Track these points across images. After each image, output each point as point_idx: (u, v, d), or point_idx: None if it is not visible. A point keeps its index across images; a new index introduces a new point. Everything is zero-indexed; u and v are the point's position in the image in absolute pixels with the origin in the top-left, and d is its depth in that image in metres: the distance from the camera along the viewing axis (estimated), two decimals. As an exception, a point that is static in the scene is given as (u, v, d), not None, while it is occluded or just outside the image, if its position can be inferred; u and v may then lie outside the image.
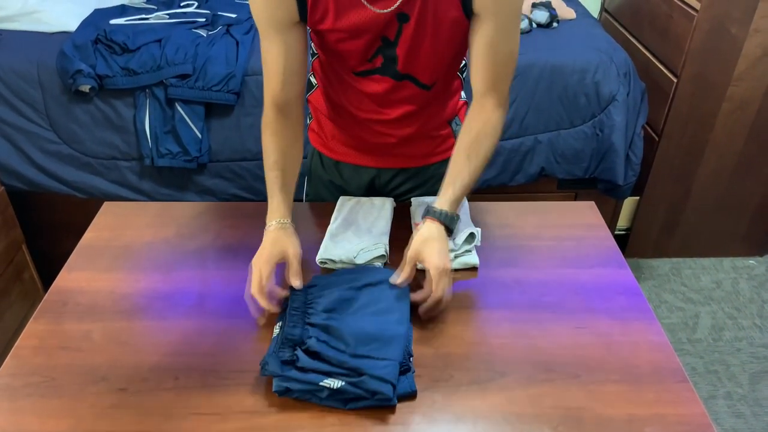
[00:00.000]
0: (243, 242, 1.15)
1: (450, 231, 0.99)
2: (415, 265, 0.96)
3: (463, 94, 1.24)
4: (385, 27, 0.98)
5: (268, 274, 0.95)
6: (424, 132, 1.19)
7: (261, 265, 0.96)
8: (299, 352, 0.85)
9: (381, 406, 0.83)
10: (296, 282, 0.97)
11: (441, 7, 0.95)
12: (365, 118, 1.15)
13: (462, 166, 1.00)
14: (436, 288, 0.92)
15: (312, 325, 0.89)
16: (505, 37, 0.98)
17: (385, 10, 0.95)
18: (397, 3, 0.94)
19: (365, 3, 0.95)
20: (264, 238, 0.99)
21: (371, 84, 1.08)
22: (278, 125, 1.05)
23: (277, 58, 1.00)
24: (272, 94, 1.04)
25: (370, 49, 1.02)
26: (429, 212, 0.98)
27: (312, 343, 0.85)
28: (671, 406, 0.84)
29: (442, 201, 0.99)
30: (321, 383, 0.82)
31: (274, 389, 0.83)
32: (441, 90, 1.13)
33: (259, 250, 0.97)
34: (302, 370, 0.83)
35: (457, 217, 1.00)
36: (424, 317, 0.96)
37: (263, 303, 0.94)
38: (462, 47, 1.03)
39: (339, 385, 0.82)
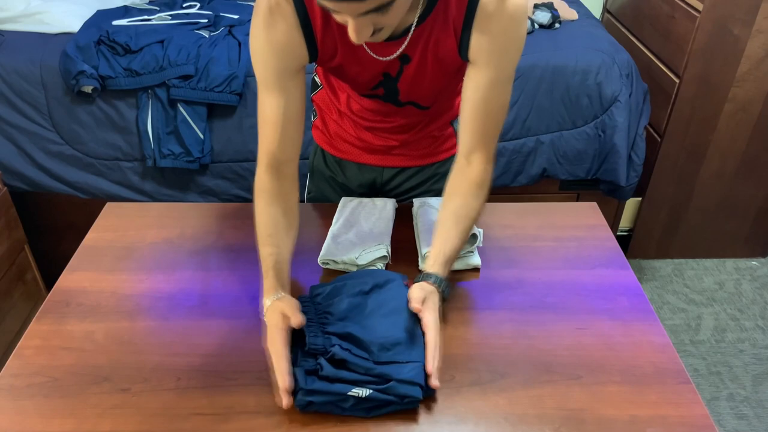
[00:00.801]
0: (245, 243, 1.15)
1: (444, 296, 0.94)
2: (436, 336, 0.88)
3: None
4: (387, 66, 0.99)
5: (284, 350, 0.84)
6: (426, 134, 1.20)
7: (273, 347, 0.85)
8: (323, 361, 0.83)
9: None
10: (296, 319, 0.87)
11: (441, 47, 0.96)
12: (368, 126, 1.17)
13: (450, 230, 0.97)
14: (438, 343, 0.87)
15: (331, 334, 0.87)
16: (499, 90, 0.96)
17: (388, 58, 0.96)
18: (400, 50, 0.95)
19: (369, 52, 0.95)
20: (266, 319, 0.89)
21: (373, 103, 1.10)
22: (272, 194, 1.00)
23: (277, 108, 0.96)
24: (268, 150, 0.99)
25: (372, 82, 1.03)
26: (423, 277, 0.94)
27: (337, 350, 0.83)
28: (673, 407, 0.84)
29: (433, 265, 0.95)
30: (348, 393, 0.80)
31: (296, 404, 0.82)
32: (442, 104, 1.16)
33: (266, 333, 0.88)
34: (327, 379, 0.82)
35: (449, 284, 0.95)
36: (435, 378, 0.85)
37: (284, 384, 0.82)
38: (462, 74, 1.00)
39: (367, 394, 0.80)
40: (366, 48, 0.95)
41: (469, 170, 1.01)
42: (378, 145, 1.21)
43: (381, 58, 0.96)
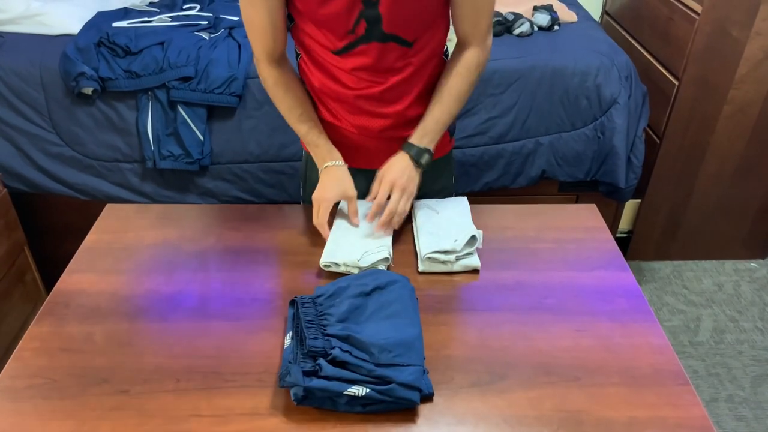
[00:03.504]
0: (244, 244, 1.15)
1: (418, 163, 1.10)
2: (382, 186, 1.10)
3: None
4: None
5: (328, 209, 1.08)
6: (417, 111, 1.16)
7: (322, 202, 1.10)
8: (322, 362, 0.83)
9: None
10: (356, 221, 1.12)
11: None
12: (356, 95, 1.13)
13: (434, 104, 1.09)
14: (391, 201, 1.03)
15: (331, 336, 0.88)
16: None
17: None
18: None
19: None
20: (323, 177, 1.08)
21: (355, 59, 1.07)
22: (286, 78, 1.12)
23: (263, 16, 1.05)
24: (265, 50, 1.09)
25: (352, 14, 1.01)
26: (401, 147, 1.10)
27: (337, 353, 0.84)
28: (672, 408, 0.84)
29: (413, 137, 1.10)
30: (345, 392, 0.81)
31: (292, 398, 0.82)
32: (427, 40, 1.10)
33: (319, 186, 1.07)
34: (326, 379, 0.82)
35: (428, 152, 1.11)
36: (378, 230, 1.10)
37: (324, 233, 1.10)
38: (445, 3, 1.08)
39: (364, 393, 0.81)
40: None
41: (461, 55, 1.11)
42: (374, 128, 1.17)
43: None
